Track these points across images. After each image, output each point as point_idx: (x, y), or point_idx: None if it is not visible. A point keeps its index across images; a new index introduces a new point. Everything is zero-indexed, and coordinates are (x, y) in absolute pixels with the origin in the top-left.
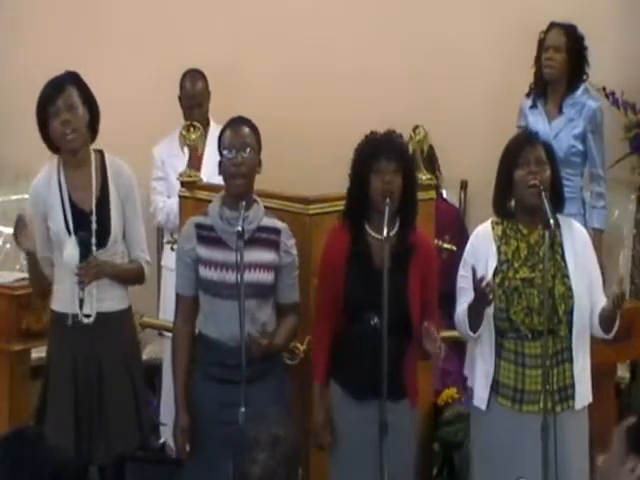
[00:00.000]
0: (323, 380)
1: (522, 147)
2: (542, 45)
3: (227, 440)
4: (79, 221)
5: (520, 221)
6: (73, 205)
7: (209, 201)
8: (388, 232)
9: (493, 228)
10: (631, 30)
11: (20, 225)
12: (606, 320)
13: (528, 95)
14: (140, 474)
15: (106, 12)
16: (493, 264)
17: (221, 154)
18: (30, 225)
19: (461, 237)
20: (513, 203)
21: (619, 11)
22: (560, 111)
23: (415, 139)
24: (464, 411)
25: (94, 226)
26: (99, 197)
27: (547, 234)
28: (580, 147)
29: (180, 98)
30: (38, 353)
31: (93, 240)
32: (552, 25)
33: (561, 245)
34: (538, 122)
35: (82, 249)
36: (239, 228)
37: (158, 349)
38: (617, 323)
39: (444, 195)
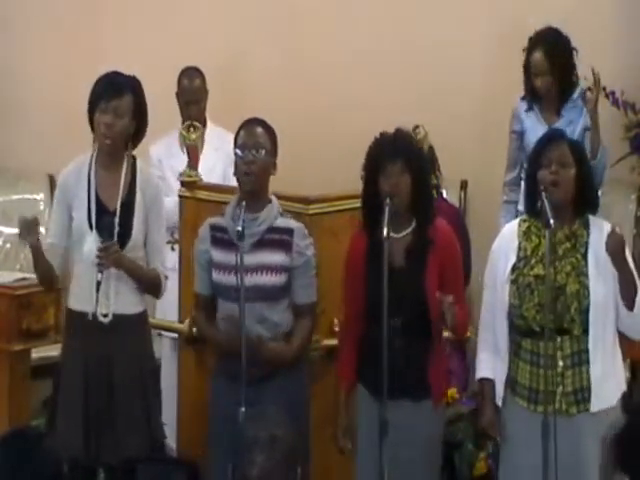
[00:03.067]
0: (349, 385)
1: (545, 147)
2: (527, 60)
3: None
4: (102, 218)
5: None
6: (98, 201)
7: (209, 201)
8: (388, 233)
9: (520, 225)
10: (631, 30)
11: (29, 224)
12: (623, 288)
13: (523, 98)
14: (140, 474)
15: (107, 11)
16: (512, 260)
17: (235, 154)
18: (37, 225)
19: (461, 237)
20: (539, 204)
21: (619, 11)
22: (558, 115)
23: (415, 139)
24: (464, 411)
25: (116, 227)
26: (125, 199)
27: (547, 235)
28: None
29: (177, 95)
30: (38, 353)
31: (114, 240)
32: (532, 45)
33: (585, 244)
34: (536, 126)
35: (104, 233)
36: (239, 228)
37: (157, 349)
38: (638, 292)
39: (444, 195)
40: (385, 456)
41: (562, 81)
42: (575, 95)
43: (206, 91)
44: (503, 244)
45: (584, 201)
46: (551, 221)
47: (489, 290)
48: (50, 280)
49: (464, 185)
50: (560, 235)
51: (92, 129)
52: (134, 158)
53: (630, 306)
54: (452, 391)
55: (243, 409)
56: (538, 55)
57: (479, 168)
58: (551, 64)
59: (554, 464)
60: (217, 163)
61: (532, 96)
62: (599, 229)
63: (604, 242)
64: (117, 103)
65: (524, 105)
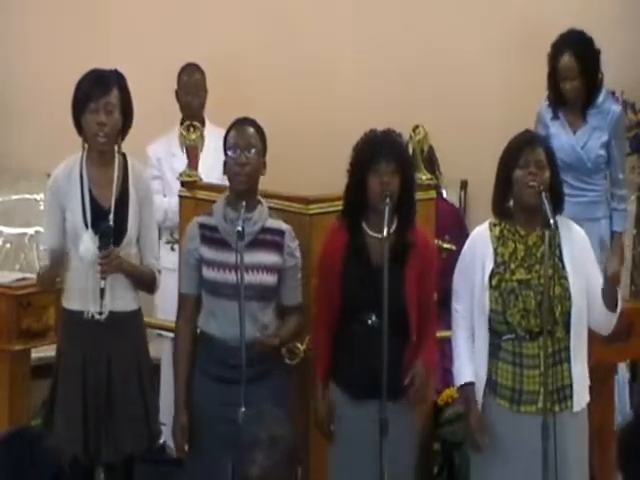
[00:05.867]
0: (324, 379)
1: (523, 148)
2: (553, 66)
3: (227, 440)
4: (97, 217)
5: (518, 222)
6: (93, 200)
7: (209, 201)
8: (388, 232)
9: (491, 230)
10: (631, 30)
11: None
12: (607, 296)
13: (550, 105)
14: (140, 474)
15: (108, 9)
16: (490, 266)
17: (226, 154)
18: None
19: (461, 237)
20: (512, 203)
21: (619, 11)
22: (583, 119)
23: (415, 139)
24: (464, 411)
25: (111, 224)
26: (119, 196)
27: (547, 234)
28: (605, 154)
29: (177, 92)
30: (38, 353)
31: (113, 247)
32: (559, 49)
33: (559, 247)
34: (561, 134)
35: (104, 239)
36: (239, 228)
37: (157, 349)
38: (619, 298)
39: (444, 195)
40: (384, 456)
41: (590, 84)
42: (600, 99)
43: (205, 89)
44: (476, 249)
45: (554, 203)
46: (551, 221)
47: (463, 295)
48: (52, 285)
49: (464, 185)
50: (534, 238)
51: (77, 129)
52: (124, 155)
53: (612, 307)
54: (452, 390)
55: (243, 409)
56: (567, 58)
57: (479, 168)
58: (581, 67)
59: (554, 463)
60: (216, 162)
61: (557, 102)
62: (567, 228)
63: (575, 242)
64: (106, 100)
65: (549, 112)
